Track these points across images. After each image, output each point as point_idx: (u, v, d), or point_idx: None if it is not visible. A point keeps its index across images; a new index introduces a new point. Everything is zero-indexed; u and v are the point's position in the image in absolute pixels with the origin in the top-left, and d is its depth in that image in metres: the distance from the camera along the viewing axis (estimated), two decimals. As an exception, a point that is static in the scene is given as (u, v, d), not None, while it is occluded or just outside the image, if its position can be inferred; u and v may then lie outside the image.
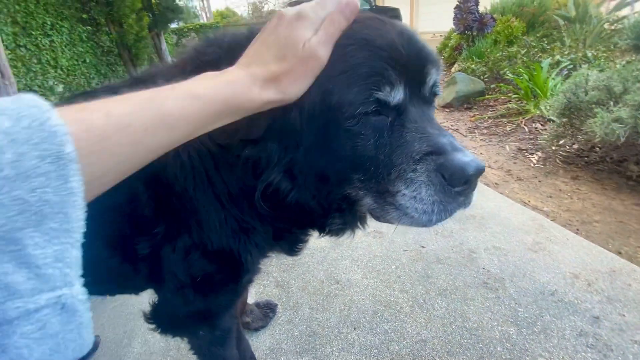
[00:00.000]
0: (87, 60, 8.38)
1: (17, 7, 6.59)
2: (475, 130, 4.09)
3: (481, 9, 7.11)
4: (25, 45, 6.63)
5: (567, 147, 3.09)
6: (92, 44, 8.70)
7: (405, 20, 16.78)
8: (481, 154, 3.41)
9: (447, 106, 5.04)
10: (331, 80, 0.62)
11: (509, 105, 4.38)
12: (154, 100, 0.44)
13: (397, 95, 0.63)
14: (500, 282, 1.67)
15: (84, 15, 8.65)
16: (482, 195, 2.41)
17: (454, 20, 7.25)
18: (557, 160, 2.98)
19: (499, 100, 4.77)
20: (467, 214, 2.18)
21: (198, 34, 17.14)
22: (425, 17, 16.72)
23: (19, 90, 5.71)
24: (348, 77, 0.62)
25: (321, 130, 0.65)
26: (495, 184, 2.76)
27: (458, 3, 7.06)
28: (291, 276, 1.84)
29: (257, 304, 1.59)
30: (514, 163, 3.14)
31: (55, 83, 7.21)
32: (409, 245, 1.97)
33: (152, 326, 0.95)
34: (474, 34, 6.96)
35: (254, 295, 1.73)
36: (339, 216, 0.79)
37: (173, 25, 13.41)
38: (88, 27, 8.72)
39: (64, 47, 7.75)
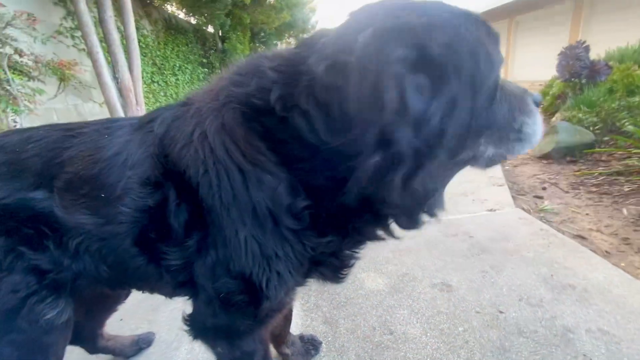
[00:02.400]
0: (200, 96, 10.04)
1: (157, 52, 8.30)
2: (580, 187, 3.47)
3: (592, 55, 6.36)
4: (158, 81, 8.23)
5: None
6: (206, 83, 10.46)
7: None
8: (587, 214, 2.85)
9: (545, 157, 4.45)
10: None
11: (628, 161, 3.65)
12: None
13: None
14: (609, 379, 1.27)
15: (204, 60, 10.47)
16: (586, 262, 1.97)
17: (557, 67, 6.61)
18: (702, 235, 2.30)
19: (615, 155, 4.03)
20: (563, 283, 1.78)
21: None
22: (522, 64, 15.65)
23: (146, 115, 7.05)
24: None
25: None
26: (606, 252, 2.23)
27: (563, 49, 6.46)
28: (341, 315, 1.71)
29: (301, 337, 1.50)
30: (635, 231, 2.53)
31: (173, 112, 8.72)
32: (484, 307, 1.67)
33: (187, 328, 0.95)
34: (583, 82, 6.20)
35: (300, 327, 1.65)
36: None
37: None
38: (205, 69, 10.49)
39: (184, 84, 9.39)
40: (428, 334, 1.54)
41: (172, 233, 0.84)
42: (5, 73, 3.80)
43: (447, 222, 2.63)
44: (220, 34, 11.48)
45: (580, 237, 2.44)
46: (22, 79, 4.07)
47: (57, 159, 0.89)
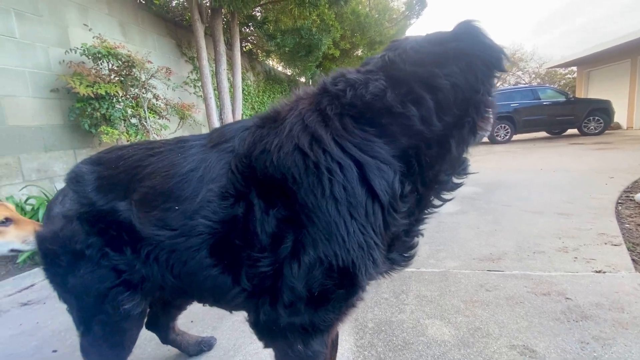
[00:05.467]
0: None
1: (257, 98, 9.57)
2: None
3: None
4: (254, 122, 9.54)
5: None
6: (274, 107, 11.85)
7: (621, 115, 13.68)
8: None
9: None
10: None
11: None
12: None
13: None
14: None
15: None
16: None
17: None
18: None
19: None
20: None
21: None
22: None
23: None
24: None
25: None
26: None
27: None
28: (397, 358, 1.57)
29: (350, 371, 1.42)
30: None
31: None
32: (579, 383, 1.35)
33: (255, 333, 0.97)
34: None
35: (351, 362, 1.56)
36: None
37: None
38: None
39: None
40: (500, 401, 1.30)
41: (258, 240, 0.86)
42: (145, 112, 4.87)
43: (537, 278, 2.25)
44: (310, 83, 12.73)
45: None
46: (154, 117, 5.14)
47: (138, 175, 1.02)
